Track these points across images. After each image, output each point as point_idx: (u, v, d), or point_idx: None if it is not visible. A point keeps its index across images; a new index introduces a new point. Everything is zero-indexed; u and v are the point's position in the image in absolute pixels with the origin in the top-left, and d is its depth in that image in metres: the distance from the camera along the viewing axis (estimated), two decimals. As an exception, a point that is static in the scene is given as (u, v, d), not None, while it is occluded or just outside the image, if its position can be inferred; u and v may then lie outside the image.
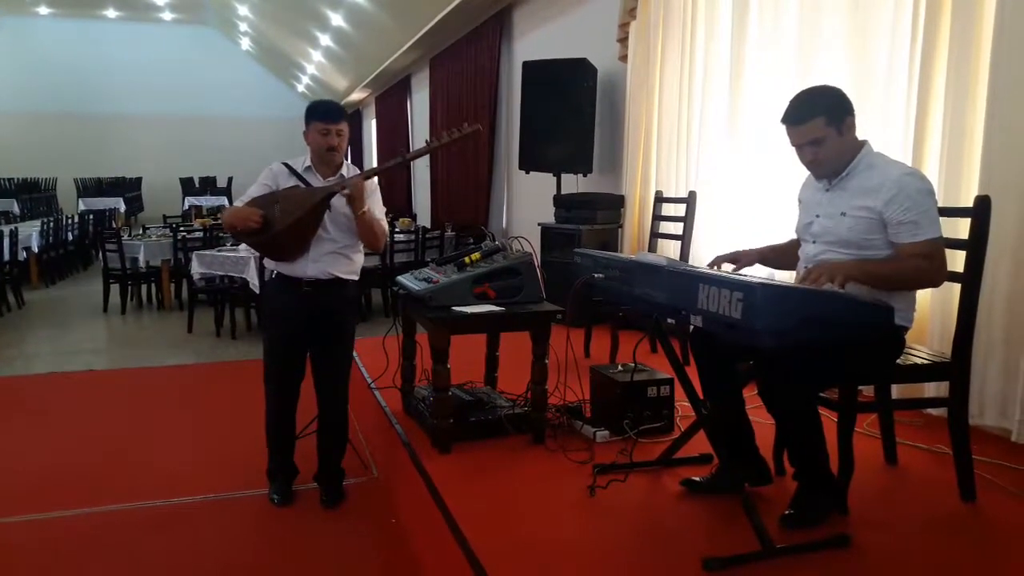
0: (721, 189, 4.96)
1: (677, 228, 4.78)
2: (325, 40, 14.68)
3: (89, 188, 20.04)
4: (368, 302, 8.45)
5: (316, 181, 3.22)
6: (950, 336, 3.31)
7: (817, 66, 4.17)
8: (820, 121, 2.46)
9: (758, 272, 2.88)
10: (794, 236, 2.89)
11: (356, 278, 3.35)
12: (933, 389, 3.26)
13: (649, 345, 4.95)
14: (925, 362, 2.62)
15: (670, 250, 5.13)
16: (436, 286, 3.17)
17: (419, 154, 3.37)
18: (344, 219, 3.18)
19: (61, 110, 21.04)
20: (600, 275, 2.69)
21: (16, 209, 16.30)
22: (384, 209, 3.37)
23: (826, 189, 2.59)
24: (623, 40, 6.06)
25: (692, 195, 4.66)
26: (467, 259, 3.32)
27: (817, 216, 2.60)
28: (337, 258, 3.23)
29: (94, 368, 6.26)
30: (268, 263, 3.34)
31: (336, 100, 19.50)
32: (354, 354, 5.05)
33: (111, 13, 20.83)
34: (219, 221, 10.20)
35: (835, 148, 2.49)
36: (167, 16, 21.18)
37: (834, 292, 2.10)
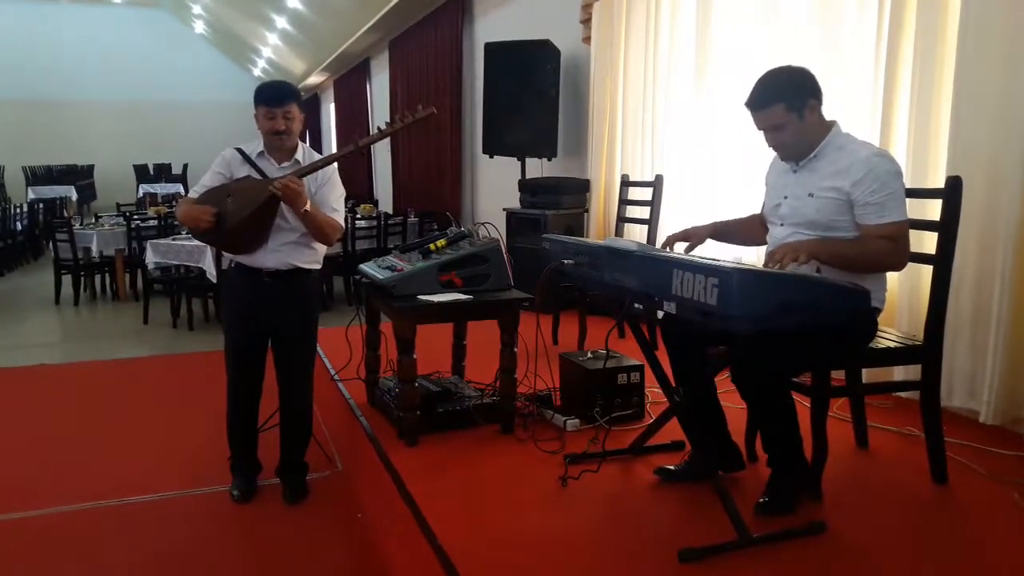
0: (688, 172, 4.93)
1: (644, 212, 4.73)
2: (281, 23, 14.39)
3: (39, 176, 19.46)
4: (330, 291, 8.31)
5: (270, 167, 3.10)
6: (919, 318, 3.33)
7: (783, 46, 4.13)
8: (780, 108, 2.43)
9: (719, 252, 2.83)
10: (750, 212, 2.86)
11: (319, 267, 3.24)
12: (902, 372, 3.26)
13: (617, 331, 4.90)
14: (898, 345, 2.60)
15: (636, 234, 5.09)
16: (400, 274, 3.08)
17: (372, 141, 3.24)
18: None
19: (8, 95, 20.29)
20: (570, 261, 2.62)
21: (-38, 198, 15.79)
22: (343, 193, 3.24)
23: (793, 171, 2.56)
24: (586, 22, 5.99)
25: (659, 179, 4.61)
26: (432, 246, 3.23)
27: (785, 198, 2.56)
28: (297, 247, 3.12)
29: (45, 362, 6.06)
30: (227, 254, 3.22)
31: (293, 83, 19.23)
32: (320, 351, 4.99)
33: (59, -5, 20.22)
34: (173, 209, 10.01)
35: (797, 133, 2.46)
36: (118, -1, 20.63)
37: (810, 276, 2.06)
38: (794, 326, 2.02)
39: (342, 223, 3.15)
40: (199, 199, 3.07)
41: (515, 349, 3.16)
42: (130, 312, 7.93)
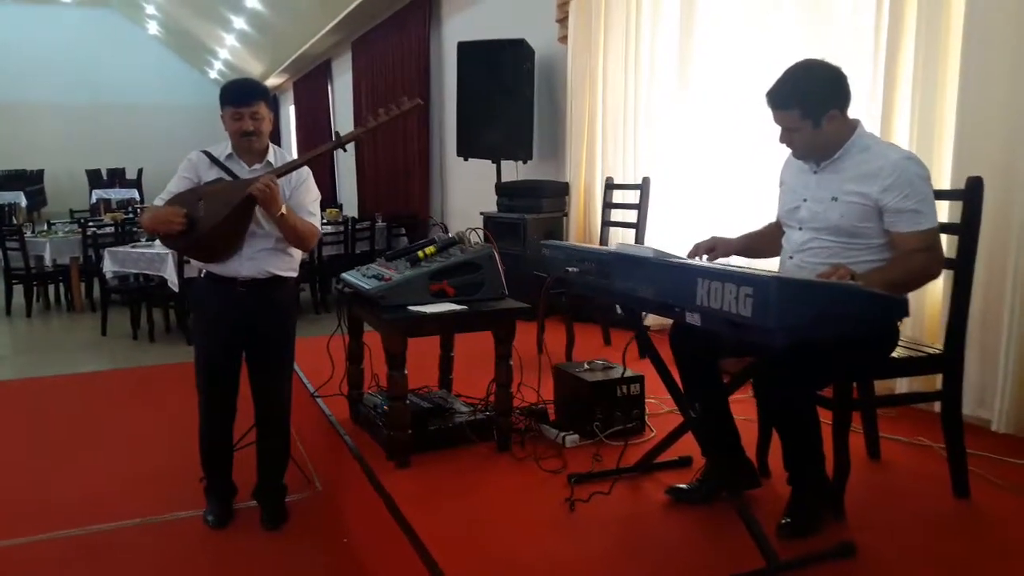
0: (673, 174, 4.80)
1: (630, 216, 4.59)
2: (239, 23, 14.03)
3: (-16, 182, 18.76)
4: (297, 298, 8.04)
5: (241, 170, 2.92)
6: (923, 323, 3.25)
7: (772, 43, 4.03)
8: (795, 113, 2.30)
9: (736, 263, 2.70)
10: (770, 221, 2.73)
11: (295, 275, 3.07)
12: (906, 381, 3.16)
13: (602, 337, 4.77)
14: (919, 355, 2.49)
15: (621, 238, 4.95)
16: (389, 284, 2.89)
17: (355, 136, 3.04)
18: None
19: (-50, 98, 19.60)
20: (574, 269, 2.47)
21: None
22: (318, 197, 3.06)
23: (814, 171, 2.42)
24: (562, 20, 5.84)
25: (646, 181, 4.48)
26: (421, 253, 3.04)
27: (804, 200, 2.43)
28: (274, 254, 2.94)
29: (-2, 378, 5.75)
30: (196, 262, 3.01)
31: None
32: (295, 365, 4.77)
33: (3, -5, 19.51)
34: (131, 216, 9.62)
35: (809, 140, 2.33)
36: (67, -2, 19.98)
37: (849, 286, 1.92)
38: (831, 338, 1.88)
39: (319, 228, 3.01)
40: (171, 201, 2.87)
41: (511, 362, 2.99)
42: (87, 323, 7.60)
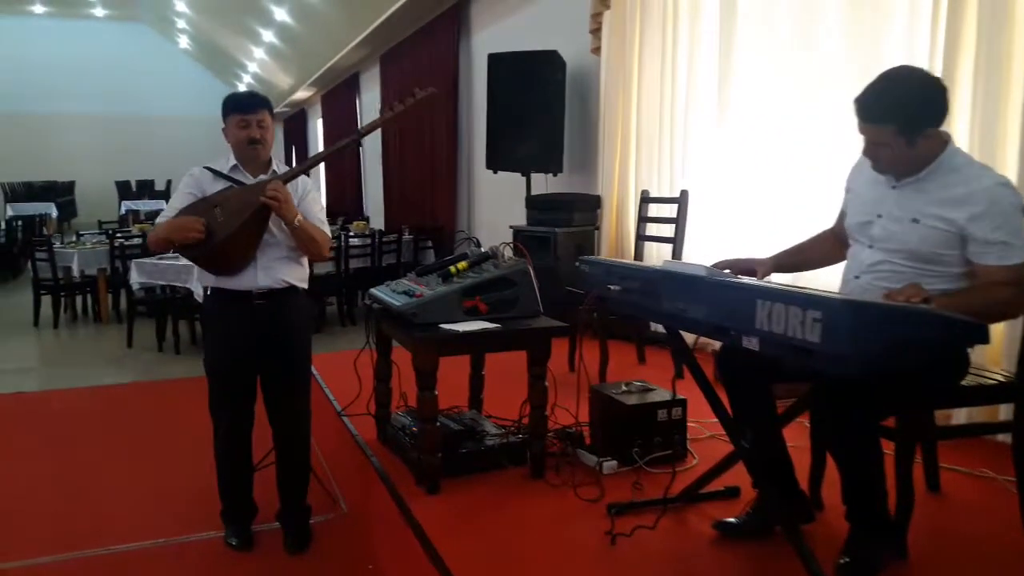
0: (711, 188, 4.65)
1: (666, 230, 4.44)
2: (268, 36, 14.09)
3: (18, 192, 18.98)
4: (322, 312, 7.98)
5: (247, 181, 2.86)
6: (987, 347, 3.05)
7: (818, 51, 3.87)
8: (890, 130, 2.09)
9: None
10: (825, 228, 2.55)
11: (306, 286, 2.99)
12: (966, 408, 2.97)
13: (637, 355, 4.61)
14: (989, 382, 2.31)
15: (657, 253, 4.80)
16: (420, 300, 2.76)
17: (370, 129, 3.02)
18: None
19: (-13, 110, 19.88)
20: (616, 287, 2.33)
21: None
22: (323, 205, 3.01)
23: (892, 186, 2.22)
24: (596, 31, 5.72)
25: (684, 194, 4.33)
26: (453, 268, 2.91)
27: (879, 216, 2.23)
28: (289, 263, 2.87)
29: (22, 390, 5.69)
30: (204, 279, 2.91)
31: (279, 99, 18.83)
32: (314, 371, 4.66)
33: (38, 9, 19.76)
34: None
35: (900, 158, 2.13)
36: (99, 12, 20.19)
37: (926, 310, 1.76)
38: (906, 366, 1.72)
39: (330, 235, 2.96)
40: (180, 215, 2.78)
41: (546, 383, 2.84)
42: (113, 335, 7.56)
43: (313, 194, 2.96)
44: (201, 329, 2.94)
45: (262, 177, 2.86)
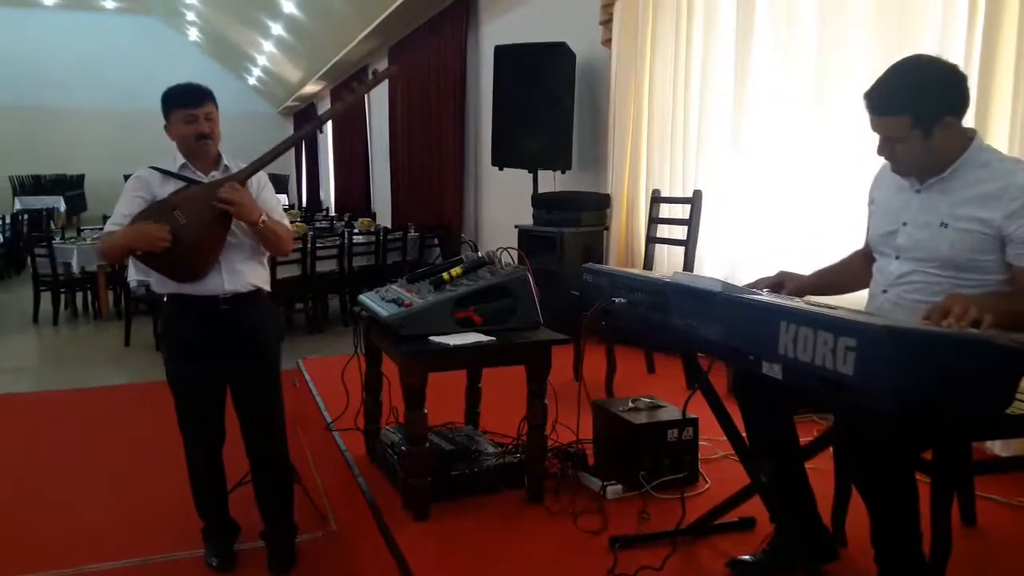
0: (726, 189, 4.40)
1: (679, 232, 4.20)
2: (277, 29, 13.91)
3: (27, 186, 18.93)
4: (325, 312, 7.80)
5: (202, 180, 2.68)
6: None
7: (842, 44, 3.62)
8: (904, 120, 1.89)
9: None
10: (855, 249, 2.33)
11: (269, 288, 2.81)
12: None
13: (645, 364, 4.38)
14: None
15: (667, 257, 4.58)
16: (408, 310, 2.54)
17: (328, 117, 3.04)
18: None
19: (-4, 103, 19.81)
20: (622, 300, 2.11)
21: (-55, 208, 15.24)
22: (280, 199, 2.84)
23: (917, 190, 2.01)
24: (606, 22, 5.47)
25: (698, 194, 4.08)
26: (446, 275, 2.69)
27: (903, 224, 2.02)
28: (253, 265, 2.71)
29: (11, 391, 5.54)
30: (162, 286, 2.70)
31: (288, 93, 18.68)
32: (307, 377, 4.45)
33: (48, 1, 19.66)
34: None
35: (917, 153, 1.93)
36: (109, 5, 20.06)
37: (976, 336, 1.53)
38: (953, 403, 1.49)
39: (290, 227, 2.82)
40: (135, 221, 2.56)
41: (545, 401, 2.62)
42: (112, 332, 7.41)
43: (269, 187, 2.78)
44: (163, 344, 2.74)
45: (214, 173, 2.68)
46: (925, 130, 1.88)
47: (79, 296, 8.64)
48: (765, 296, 1.82)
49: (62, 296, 8.28)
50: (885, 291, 2.05)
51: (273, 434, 2.83)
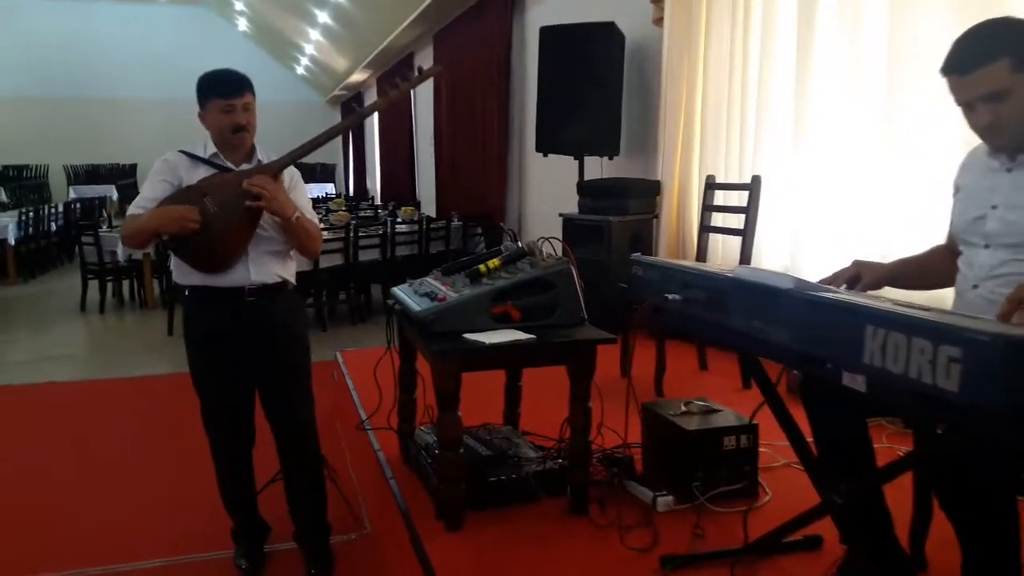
0: (787, 175, 4.11)
1: (736, 220, 3.94)
2: (323, 17, 13.87)
3: (80, 175, 19.28)
4: (368, 300, 7.71)
5: (232, 168, 2.55)
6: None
7: (917, 28, 3.30)
8: (1003, 65, 1.65)
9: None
10: (938, 243, 2.07)
11: (295, 281, 2.68)
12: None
13: (697, 360, 4.14)
14: None
15: (721, 247, 4.32)
16: (442, 304, 2.35)
17: (370, 111, 2.98)
18: None
19: (51, 94, 20.08)
20: (675, 297, 1.89)
21: (3, 197, 15.56)
22: (326, 188, 2.66)
23: (1008, 169, 1.77)
24: (658, 1, 5.21)
25: (756, 180, 3.81)
26: (483, 267, 2.49)
27: (993, 207, 1.77)
28: (279, 257, 2.58)
29: (55, 379, 5.54)
30: (184, 277, 2.55)
31: (335, 82, 18.68)
32: (344, 370, 4.31)
33: (102, -7, 19.99)
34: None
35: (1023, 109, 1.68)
36: (162, -4, 20.34)
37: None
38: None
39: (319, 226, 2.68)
40: (164, 203, 2.45)
41: (590, 404, 2.41)
42: (156, 321, 7.45)
43: (301, 186, 2.65)
44: (187, 339, 2.60)
45: (244, 166, 2.53)
46: None
47: (125, 284, 8.70)
48: (845, 294, 1.58)
49: (108, 284, 8.36)
50: (976, 286, 1.80)
51: (302, 432, 2.69)
